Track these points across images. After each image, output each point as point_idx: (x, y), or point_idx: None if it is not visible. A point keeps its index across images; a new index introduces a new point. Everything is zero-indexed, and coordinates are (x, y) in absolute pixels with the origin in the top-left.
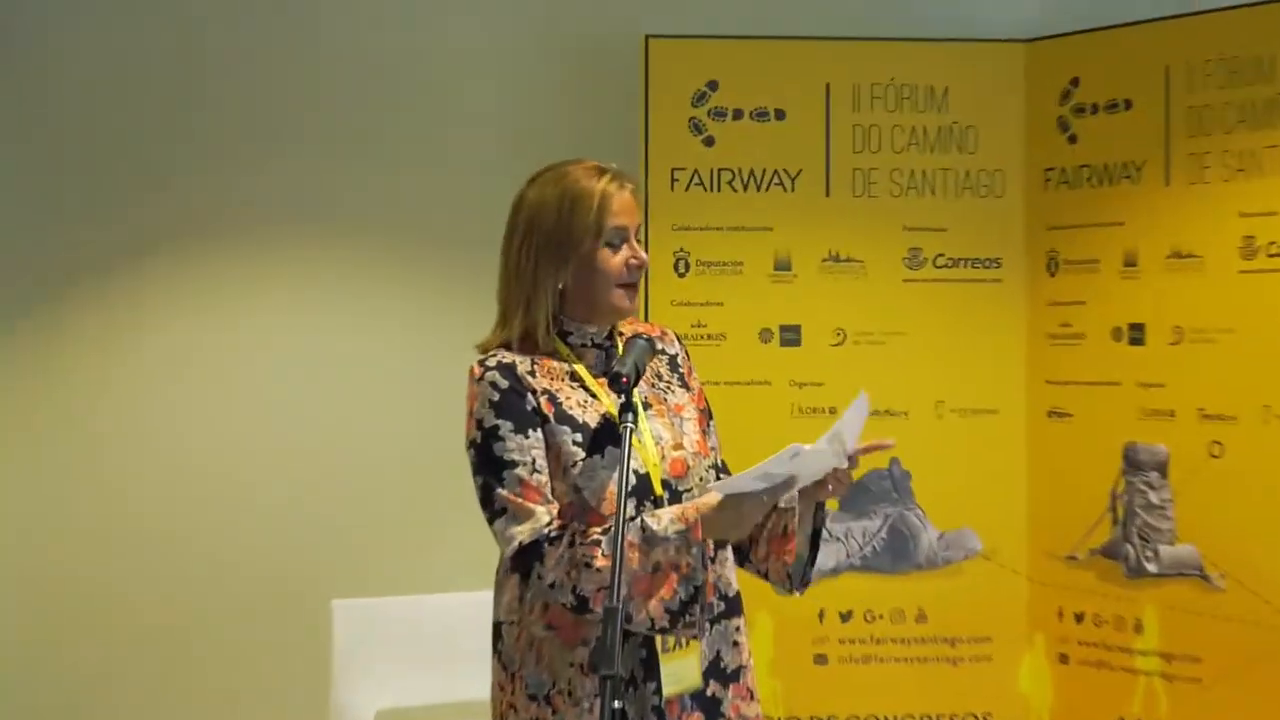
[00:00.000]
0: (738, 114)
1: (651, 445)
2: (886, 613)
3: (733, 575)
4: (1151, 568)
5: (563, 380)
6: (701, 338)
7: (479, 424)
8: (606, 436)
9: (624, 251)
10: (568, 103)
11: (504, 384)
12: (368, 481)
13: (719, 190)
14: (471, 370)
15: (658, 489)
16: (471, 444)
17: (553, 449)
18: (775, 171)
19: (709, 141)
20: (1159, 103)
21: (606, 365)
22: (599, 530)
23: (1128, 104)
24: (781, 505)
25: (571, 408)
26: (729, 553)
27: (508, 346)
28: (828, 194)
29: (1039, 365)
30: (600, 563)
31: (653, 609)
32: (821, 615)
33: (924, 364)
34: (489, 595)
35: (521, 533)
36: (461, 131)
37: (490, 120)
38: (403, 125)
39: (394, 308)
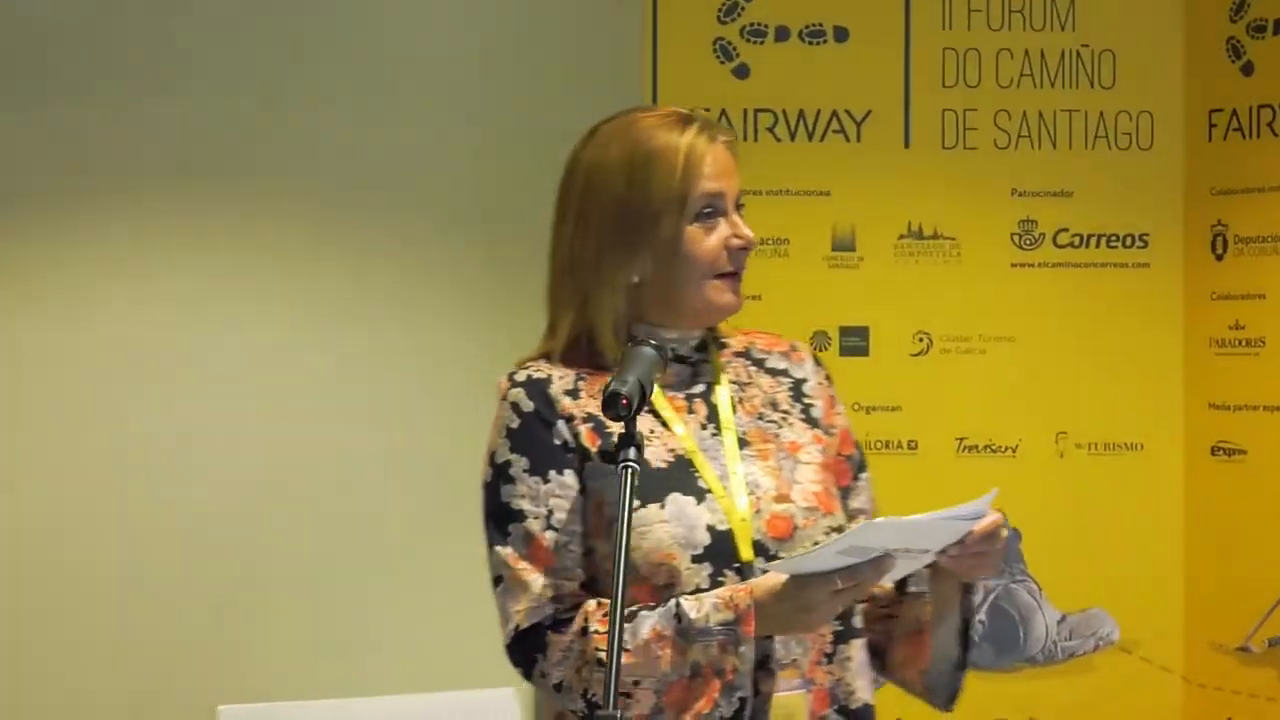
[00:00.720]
0: (782, 33)
1: (741, 494)
2: None
3: (862, 681)
4: None
5: None
6: None
7: (491, 458)
8: (673, 480)
9: (721, 228)
10: (554, 23)
11: (527, 407)
12: (264, 560)
13: (756, 139)
14: (498, 386)
15: (744, 553)
16: (482, 484)
17: (594, 496)
18: (834, 113)
19: (741, 71)
20: None
21: (691, 383)
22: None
23: None
24: (912, 589)
25: None
26: (856, 650)
27: (549, 357)
28: (907, 145)
29: (1201, 383)
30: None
31: None
32: None
33: (1040, 381)
34: (409, 700)
35: (518, 612)
36: (415, 64)
37: (450, 44)
38: (342, 58)
39: (315, 318)
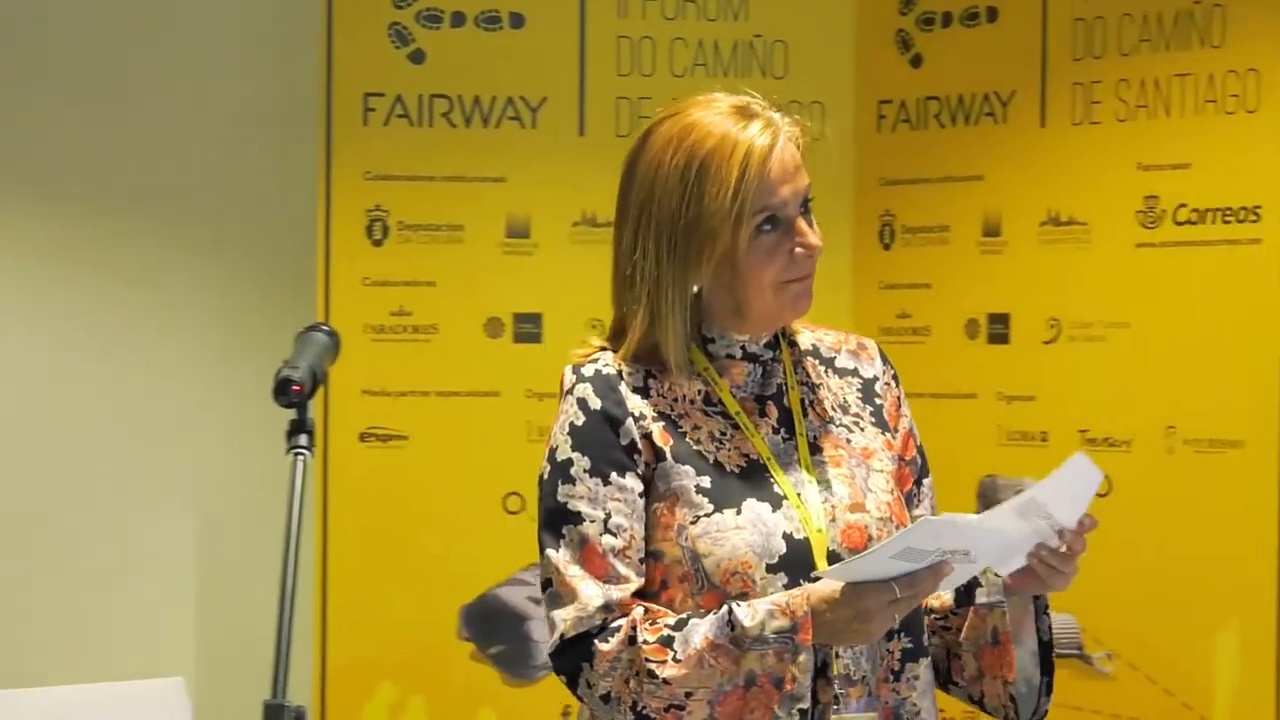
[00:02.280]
0: (457, 19)
1: (816, 502)
2: None
3: (927, 701)
4: None
5: (690, 403)
6: (404, 330)
7: (551, 454)
8: (750, 485)
9: (783, 238)
10: (228, 5)
11: (595, 404)
12: None
13: (431, 124)
14: (562, 378)
15: (820, 563)
16: (539, 479)
17: (668, 498)
18: (509, 99)
19: (417, 56)
20: (1034, 12)
21: (763, 384)
22: (670, 622)
23: (991, 13)
24: (982, 600)
25: (699, 441)
26: (923, 670)
27: (615, 353)
28: (582, 132)
29: None
30: (670, 671)
31: None
32: (566, 714)
33: None
34: (76, 691)
35: (565, 621)
36: (86, 49)
37: (129, 33)
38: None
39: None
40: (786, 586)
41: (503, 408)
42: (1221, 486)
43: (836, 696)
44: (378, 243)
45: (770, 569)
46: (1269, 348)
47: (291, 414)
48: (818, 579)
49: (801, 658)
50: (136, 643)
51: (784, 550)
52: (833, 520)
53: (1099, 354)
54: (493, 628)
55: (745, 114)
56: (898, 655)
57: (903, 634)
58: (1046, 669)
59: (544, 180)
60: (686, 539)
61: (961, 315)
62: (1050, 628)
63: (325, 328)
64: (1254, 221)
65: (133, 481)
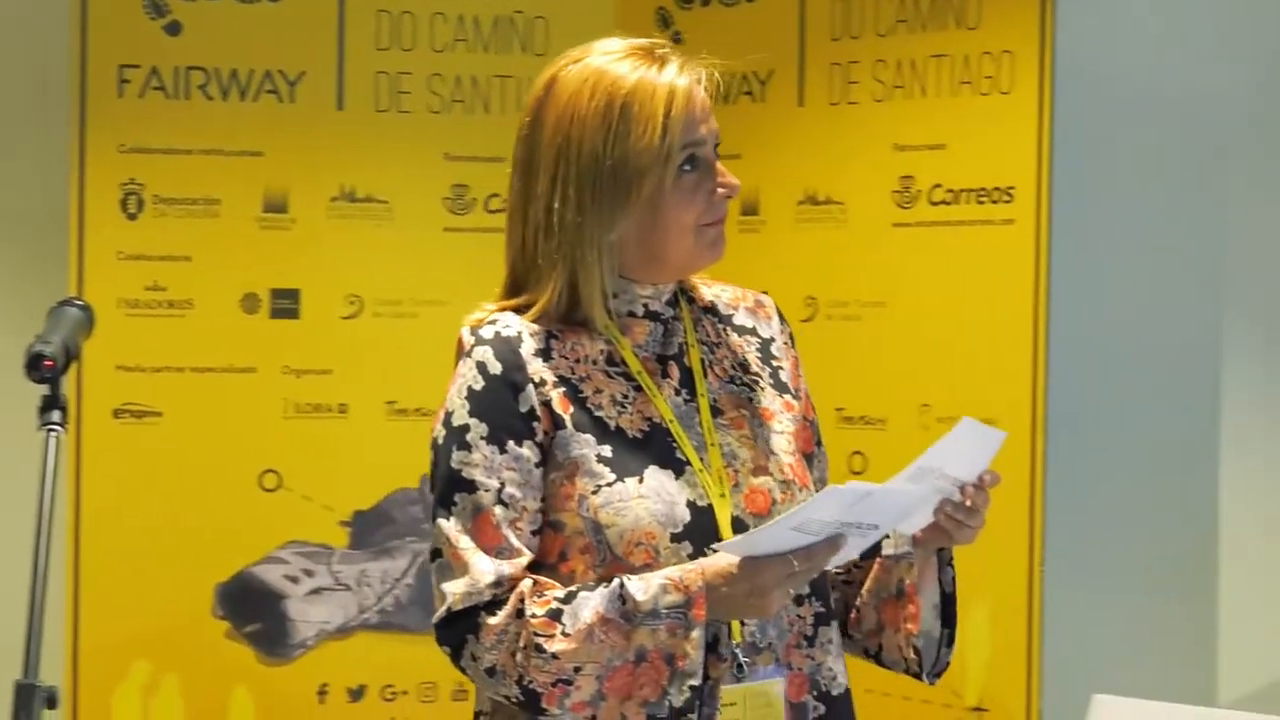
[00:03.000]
0: None
1: (719, 465)
2: (413, 688)
3: (840, 664)
4: None
5: (593, 364)
6: (159, 305)
7: (447, 418)
8: (652, 452)
9: (704, 178)
10: None
11: (495, 368)
12: None
13: (188, 97)
14: (459, 340)
15: (725, 532)
16: (432, 444)
17: (566, 467)
18: (268, 73)
19: (173, 28)
20: None
21: (664, 344)
22: (558, 595)
23: None
24: (889, 551)
25: (600, 406)
26: (835, 633)
27: (517, 312)
28: (341, 107)
29: None
30: (559, 645)
31: (631, 715)
32: (323, 692)
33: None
34: None
35: (454, 594)
36: None
37: None
38: None
39: None
40: (692, 556)
41: (259, 384)
42: None
43: (741, 665)
44: (132, 216)
45: (675, 538)
46: (1021, 327)
47: (44, 389)
48: (714, 552)
49: (695, 634)
50: None
51: (688, 518)
52: (736, 485)
53: (855, 333)
54: (248, 606)
55: (655, 55)
56: (810, 620)
57: (814, 598)
58: (948, 621)
59: (302, 155)
60: (588, 509)
61: None
62: (953, 580)
63: (79, 302)
64: (1007, 202)
65: None
